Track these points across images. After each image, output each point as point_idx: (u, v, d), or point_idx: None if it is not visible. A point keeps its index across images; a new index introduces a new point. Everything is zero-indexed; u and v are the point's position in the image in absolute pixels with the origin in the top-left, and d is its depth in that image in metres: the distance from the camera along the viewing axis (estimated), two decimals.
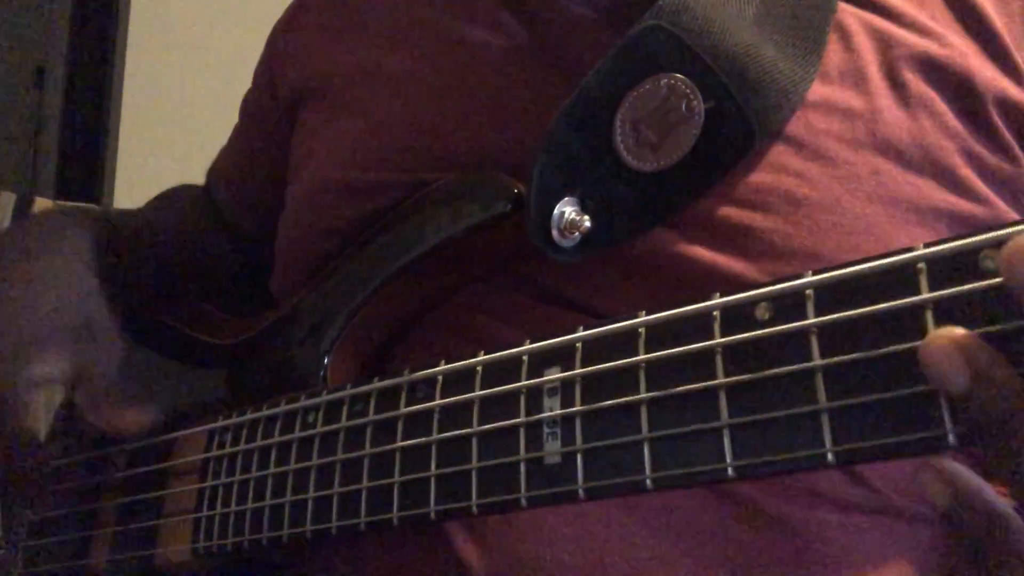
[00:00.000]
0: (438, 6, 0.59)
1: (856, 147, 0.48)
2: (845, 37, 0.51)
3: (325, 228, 0.57)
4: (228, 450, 0.55)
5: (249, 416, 0.55)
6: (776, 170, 0.48)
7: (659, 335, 0.37)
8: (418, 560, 0.50)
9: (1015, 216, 0.49)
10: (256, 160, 0.74)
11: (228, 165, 0.78)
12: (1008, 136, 0.49)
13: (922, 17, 0.51)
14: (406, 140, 0.55)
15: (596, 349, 0.39)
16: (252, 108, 0.75)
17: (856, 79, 0.50)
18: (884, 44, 0.50)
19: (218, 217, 0.78)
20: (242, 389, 0.61)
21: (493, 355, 0.43)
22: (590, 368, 0.39)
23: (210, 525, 0.55)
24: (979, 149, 0.49)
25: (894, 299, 0.31)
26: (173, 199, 0.80)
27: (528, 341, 0.42)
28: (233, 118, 0.77)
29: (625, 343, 0.38)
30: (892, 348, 0.30)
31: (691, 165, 0.47)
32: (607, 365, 0.38)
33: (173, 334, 0.69)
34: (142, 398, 0.61)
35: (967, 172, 0.48)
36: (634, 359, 0.37)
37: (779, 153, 0.48)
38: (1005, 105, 0.49)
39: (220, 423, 0.57)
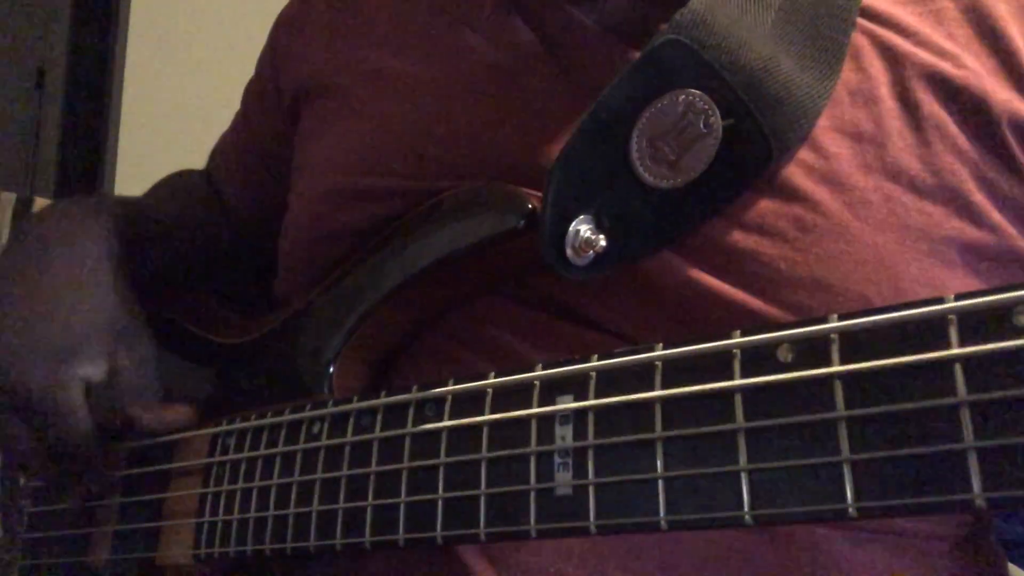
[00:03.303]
0: (446, 11, 0.58)
1: (867, 172, 0.47)
2: (856, 56, 0.49)
3: (329, 232, 0.56)
4: (231, 456, 0.55)
5: (254, 422, 0.54)
6: (785, 194, 0.46)
7: (676, 370, 0.36)
8: (423, 568, 0.50)
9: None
10: (257, 149, 0.73)
11: (229, 151, 0.77)
12: (1022, 160, 0.48)
13: (937, 36, 0.49)
14: (412, 145, 0.54)
15: (610, 379, 0.38)
16: (254, 97, 0.74)
17: (866, 100, 0.48)
18: (896, 63, 0.49)
19: (219, 203, 0.78)
20: (242, 391, 0.60)
21: (503, 378, 0.42)
22: (604, 400, 0.38)
23: (212, 531, 0.54)
24: (993, 173, 0.47)
25: (922, 351, 0.30)
26: (174, 186, 0.79)
27: (540, 365, 0.41)
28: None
29: (641, 376, 0.37)
30: (920, 404, 0.30)
31: (709, 182, 0.46)
32: (622, 398, 0.38)
33: (176, 329, 0.68)
34: (171, 398, 0.62)
35: (980, 198, 0.47)
36: (650, 394, 0.37)
37: (789, 176, 0.47)
38: (1020, 128, 0.48)
39: (224, 427, 0.56)
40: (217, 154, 0.79)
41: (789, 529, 0.46)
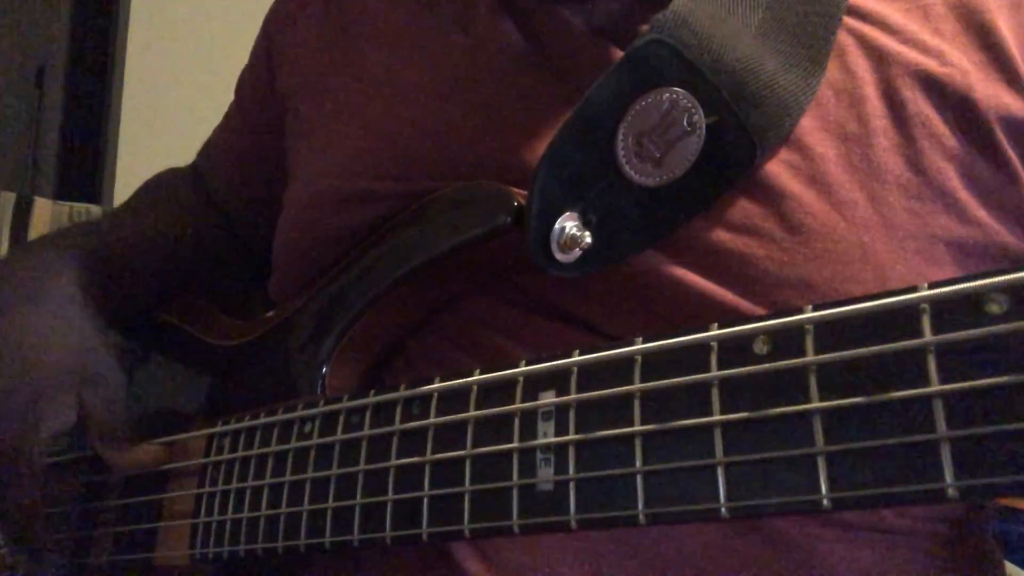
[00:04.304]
0: (436, 12, 0.58)
1: (852, 172, 0.47)
2: (842, 55, 0.49)
3: (322, 235, 0.56)
4: (226, 456, 0.55)
5: (248, 423, 0.55)
6: (772, 195, 0.46)
7: (655, 363, 0.36)
8: (417, 569, 0.50)
9: (1011, 240, 0.48)
10: (250, 141, 0.73)
11: (222, 144, 0.77)
12: (1011, 154, 0.48)
13: (924, 33, 0.49)
14: (403, 147, 0.54)
15: (591, 374, 0.38)
16: (248, 89, 0.73)
17: (852, 100, 0.48)
18: (881, 62, 0.49)
19: (209, 200, 0.77)
20: (238, 393, 0.60)
21: (488, 375, 0.42)
22: (585, 394, 0.38)
23: (207, 531, 0.55)
24: (979, 170, 0.47)
25: (895, 340, 0.30)
26: (157, 192, 0.79)
27: (524, 362, 0.41)
28: None
29: (621, 370, 0.37)
30: (892, 395, 0.29)
31: (694, 180, 0.46)
32: (602, 392, 0.38)
33: (172, 332, 0.69)
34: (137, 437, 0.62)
35: (966, 196, 0.47)
36: (629, 387, 0.37)
37: (775, 177, 0.47)
38: (1008, 122, 0.47)
39: (220, 428, 0.57)
40: (208, 148, 0.79)
41: (782, 527, 0.46)
